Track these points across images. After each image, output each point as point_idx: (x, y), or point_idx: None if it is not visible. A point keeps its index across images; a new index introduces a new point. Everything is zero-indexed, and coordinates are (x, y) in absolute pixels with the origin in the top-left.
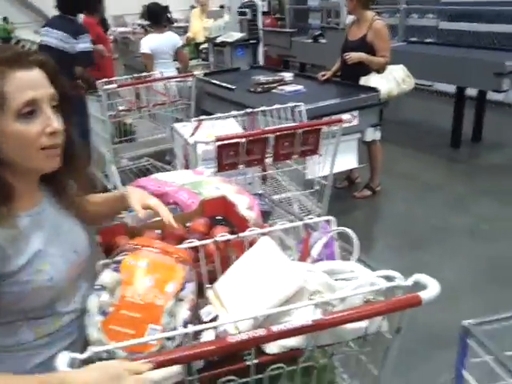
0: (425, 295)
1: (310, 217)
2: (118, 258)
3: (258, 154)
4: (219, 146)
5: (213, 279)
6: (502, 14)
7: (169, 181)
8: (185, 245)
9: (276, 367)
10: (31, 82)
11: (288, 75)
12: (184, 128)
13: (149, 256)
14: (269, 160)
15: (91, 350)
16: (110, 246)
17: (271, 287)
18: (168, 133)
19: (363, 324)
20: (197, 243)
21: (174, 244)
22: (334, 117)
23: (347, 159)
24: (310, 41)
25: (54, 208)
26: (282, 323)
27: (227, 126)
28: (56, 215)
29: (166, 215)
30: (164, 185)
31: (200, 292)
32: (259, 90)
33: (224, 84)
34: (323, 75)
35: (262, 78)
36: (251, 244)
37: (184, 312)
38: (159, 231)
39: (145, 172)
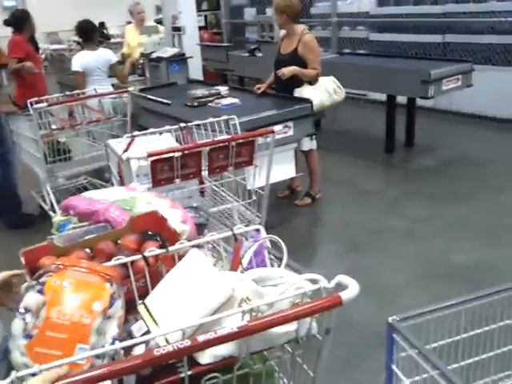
0: (345, 295)
1: (238, 226)
2: (42, 280)
3: (193, 168)
4: (153, 161)
5: (144, 295)
6: (426, 25)
7: (100, 198)
8: (112, 262)
9: (211, 377)
10: None
11: (224, 89)
12: (118, 144)
13: (74, 275)
14: (205, 173)
15: (14, 375)
16: (35, 267)
17: (200, 298)
18: (105, 150)
19: (293, 327)
20: (125, 260)
21: (104, 262)
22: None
23: (285, 169)
24: (246, 54)
25: None
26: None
27: (164, 140)
28: None
29: None
30: (95, 203)
31: (133, 308)
32: (196, 104)
33: (160, 99)
34: (258, 88)
35: (199, 92)
36: (182, 257)
37: (113, 329)
38: (88, 250)
39: (82, 190)
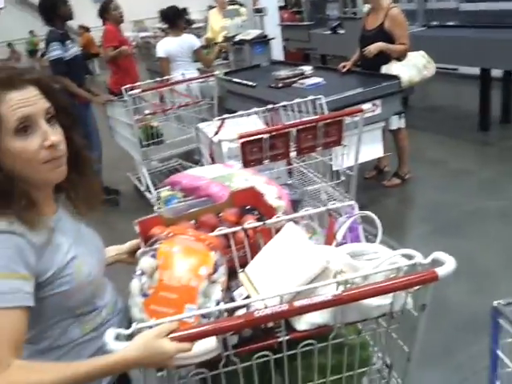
0: (441, 271)
1: (332, 202)
2: (154, 246)
3: (281, 149)
4: (243, 143)
5: (244, 264)
6: None
7: (202, 175)
8: (216, 233)
9: (307, 343)
10: (24, 101)
11: (308, 68)
12: (208, 127)
13: (182, 242)
14: (293, 154)
15: (135, 327)
16: (148, 236)
17: (297, 269)
18: (194, 133)
19: (387, 301)
20: (227, 231)
21: (207, 233)
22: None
23: (373, 149)
24: (328, 32)
25: (66, 210)
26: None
27: (251, 122)
28: (72, 221)
29: None
30: (197, 179)
31: (233, 276)
32: (280, 85)
33: (245, 81)
34: (343, 66)
35: (283, 73)
36: (278, 230)
37: (217, 293)
38: (193, 222)
39: (174, 172)
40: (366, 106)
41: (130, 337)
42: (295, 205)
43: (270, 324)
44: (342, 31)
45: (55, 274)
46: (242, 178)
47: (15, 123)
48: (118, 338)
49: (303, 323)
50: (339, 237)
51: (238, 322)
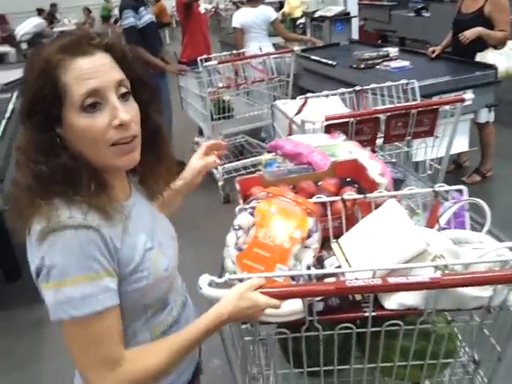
0: None
1: (440, 184)
2: (253, 204)
3: (368, 135)
4: (327, 126)
5: (338, 235)
6: None
7: (305, 142)
8: (314, 199)
9: (393, 323)
10: (93, 70)
11: (393, 50)
12: (285, 106)
13: (280, 204)
14: (379, 141)
15: (227, 277)
16: (247, 194)
17: (394, 247)
18: (265, 110)
19: (487, 293)
20: (325, 199)
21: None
22: (452, 95)
23: (458, 142)
24: (412, 14)
25: (142, 194)
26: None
27: (331, 104)
28: (146, 205)
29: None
30: (300, 146)
31: (326, 245)
32: (362, 66)
33: (324, 60)
34: (433, 51)
35: (366, 54)
36: (378, 207)
37: (308, 258)
38: (292, 187)
39: (240, 149)
40: (468, 96)
41: (220, 286)
42: (397, 184)
43: (358, 297)
44: (426, 14)
45: (132, 269)
46: (346, 149)
47: (81, 97)
48: (210, 284)
49: (393, 302)
50: (443, 221)
51: (329, 288)
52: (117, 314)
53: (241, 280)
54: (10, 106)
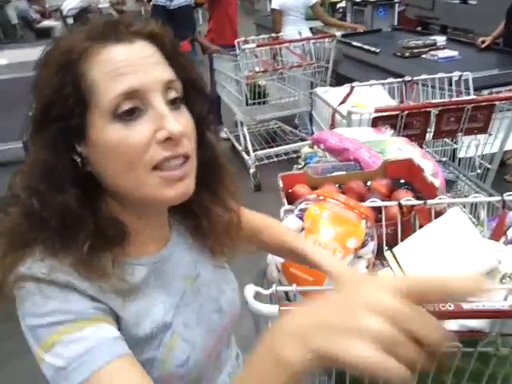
0: None
1: (509, 193)
2: (301, 206)
3: (417, 129)
4: (375, 118)
5: (391, 243)
6: None
7: (351, 137)
8: (368, 203)
9: (452, 345)
10: (131, 62)
11: (441, 39)
12: (327, 94)
13: (333, 208)
14: (428, 136)
15: (274, 288)
16: (289, 192)
17: (459, 262)
18: (301, 97)
19: None
20: (380, 203)
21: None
22: (503, 89)
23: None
24: (456, 1)
25: (186, 245)
26: (468, 302)
27: (375, 94)
28: (191, 258)
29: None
30: (346, 140)
31: (378, 254)
32: (407, 54)
33: (366, 47)
34: (483, 41)
35: (411, 42)
36: (437, 213)
37: (361, 269)
38: (337, 185)
39: (272, 135)
40: None
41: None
42: (449, 185)
43: None
44: (473, 2)
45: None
46: (396, 146)
47: (115, 100)
48: (256, 296)
49: (454, 324)
50: (510, 234)
51: None
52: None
53: (286, 293)
54: None
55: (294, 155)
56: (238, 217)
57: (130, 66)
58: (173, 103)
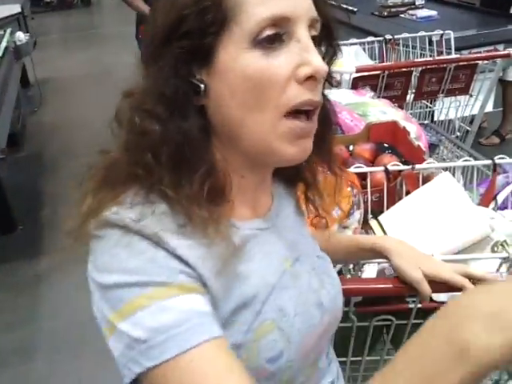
0: None
1: (500, 156)
2: None
3: (398, 90)
4: (355, 78)
5: (376, 210)
6: None
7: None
8: (354, 169)
9: None
10: None
11: None
12: None
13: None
14: (409, 97)
15: None
16: None
17: (450, 229)
18: None
19: None
20: (366, 169)
21: None
22: (482, 49)
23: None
24: None
25: (289, 211)
26: None
27: (353, 54)
28: (292, 234)
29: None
30: None
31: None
32: (385, 13)
33: (344, 5)
34: None
35: (390, 1)
36: (424, 179)
37: None
38: None
39: None
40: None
41: None
42: (431, 149)
43: None
44: None
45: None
46: (379, 109)
47: (261, 24)
48: None
49: (444, 295)
50: (500, 199)
51: (387, 287)
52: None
53: None
54: (3, 44)
55: None
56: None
57: None
58: (313, 41)
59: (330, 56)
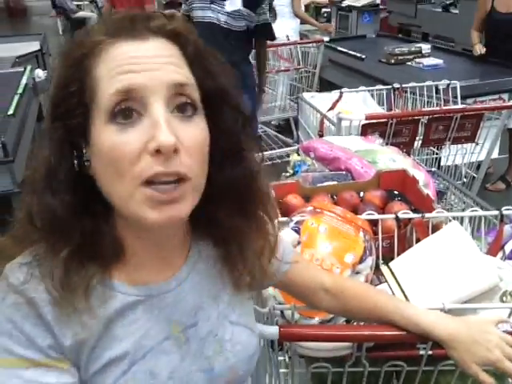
0: None
1: (507, 207)
2: (297, 219)
3: (406, 137)
4: (364, 125)
5: (386, 256)
6: None
7: (341, 145)
8: (365, 216)
9: (449, 363)
10: (137, 60)
11: (426, 47)
12: (314, 99)
13: (330, 221)
14: (416, 144)
15: (272, 306)
16: (281, 202)
17: (459, 278)
18: (284, 102)
19: None
20: (377, 216)
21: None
22: (487, 98)
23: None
24: (438, 10)
25: (211, 273)
26: None
27: (360, 100)
28: (199, 298)
29: None
30: (336, 149)
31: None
32: (392, 61)
33: (352, 52)
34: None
35: (397, 49)
36: (433, 227)
37: None
38: (330, 196)
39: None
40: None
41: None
42: (439, 197)
43: None
44: (455, 10)
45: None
46: (388, 156)
47: (111, 99)
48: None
49: None
50: (508, 249)
51: (394, 334)
52: None
53: (282, 311)
54: (24, 81)
55: (279, 161)
56: (274, 242)
57: (135, 64)
58: (182, 110)
59: (238, 117)
